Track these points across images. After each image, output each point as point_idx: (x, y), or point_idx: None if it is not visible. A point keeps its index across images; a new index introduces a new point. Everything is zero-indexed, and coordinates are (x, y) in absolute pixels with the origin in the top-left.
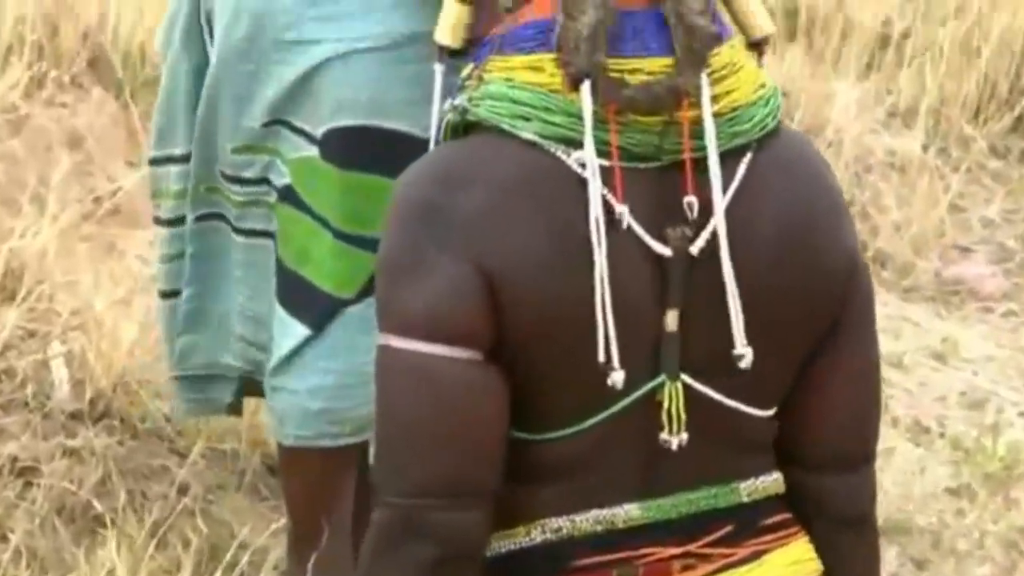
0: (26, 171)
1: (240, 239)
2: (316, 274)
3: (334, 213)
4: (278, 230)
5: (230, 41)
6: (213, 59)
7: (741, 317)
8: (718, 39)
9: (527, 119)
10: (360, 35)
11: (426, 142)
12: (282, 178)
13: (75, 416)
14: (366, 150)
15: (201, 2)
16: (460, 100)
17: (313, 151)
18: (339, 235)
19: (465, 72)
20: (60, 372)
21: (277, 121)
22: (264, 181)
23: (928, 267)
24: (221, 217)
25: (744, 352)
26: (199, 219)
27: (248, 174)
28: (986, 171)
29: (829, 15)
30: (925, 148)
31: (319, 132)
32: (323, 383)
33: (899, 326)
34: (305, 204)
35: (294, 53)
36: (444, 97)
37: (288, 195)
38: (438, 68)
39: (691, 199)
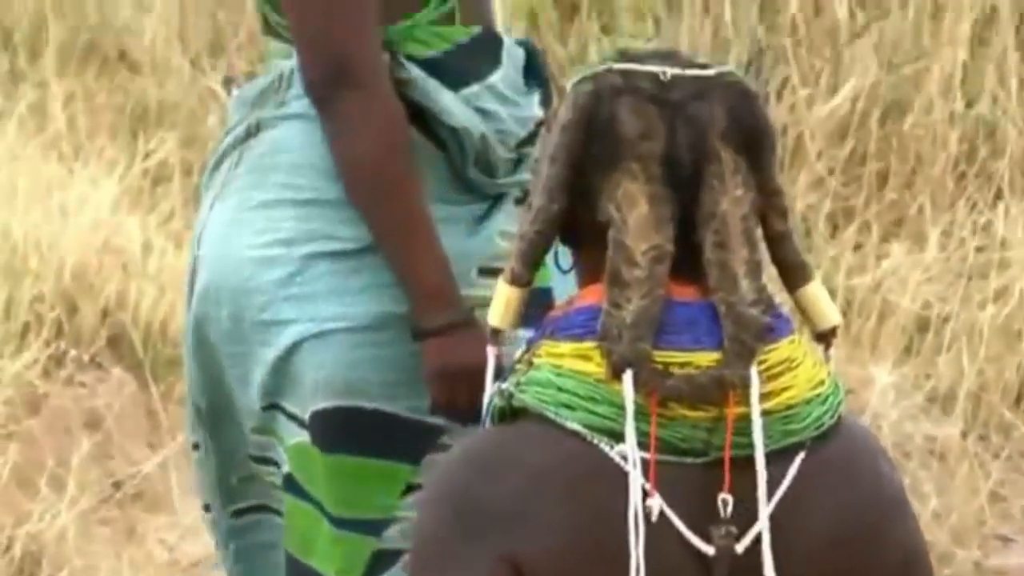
0: (44, 452)
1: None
2: (321, 563)
3: (327, 498)
4: (284, 521)
5: (220, 322)
6: (214, 337)
7: None
8: (769, 331)
9: (572, 408)
10: (332, 315)
11: (409, 422)
12: (284, 465)
13: None
14: (348, 431)
15: (196, 278)
16: (508, 385)
17: (305, 436)
18: (334, 521)
19: (517, 355)
20: None
21: (272, 406)
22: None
23: (968, 557)
24: (265, 508)
25: None
26: (237, 514)
27: (272, 454)
28: None
29: (867, 298)
30: (964, 435)
31: (306, 415)
32: None
33: None
34: (304, 491)
35: (272, 334)
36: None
37: (289, 484)
38: (491, 351)
39: (728, 498)
